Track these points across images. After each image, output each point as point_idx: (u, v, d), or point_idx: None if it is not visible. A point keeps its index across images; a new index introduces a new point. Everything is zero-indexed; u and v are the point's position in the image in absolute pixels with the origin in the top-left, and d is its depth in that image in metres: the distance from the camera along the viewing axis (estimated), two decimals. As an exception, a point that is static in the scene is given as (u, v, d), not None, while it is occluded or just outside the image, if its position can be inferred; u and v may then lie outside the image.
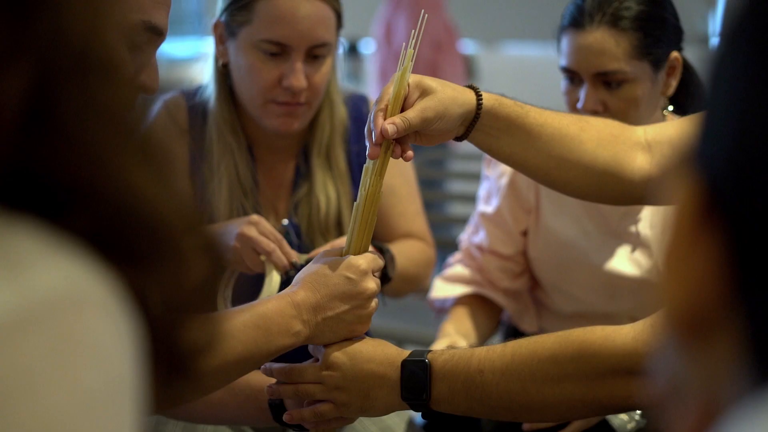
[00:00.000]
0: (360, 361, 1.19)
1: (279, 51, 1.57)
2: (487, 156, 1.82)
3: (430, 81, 1.21)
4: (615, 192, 1.32)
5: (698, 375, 0.43)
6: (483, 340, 1.81)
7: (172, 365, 0.51)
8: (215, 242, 0.53)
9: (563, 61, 1.65)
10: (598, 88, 1.62)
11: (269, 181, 1.72)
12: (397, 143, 1.21)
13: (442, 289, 1.86)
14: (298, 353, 1.26)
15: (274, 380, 1.28)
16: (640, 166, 1.31)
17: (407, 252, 1.70)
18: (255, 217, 1.51)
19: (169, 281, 0.49)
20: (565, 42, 1.64)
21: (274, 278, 1.47)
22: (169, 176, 0.49)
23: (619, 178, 1.30)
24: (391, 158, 1.22)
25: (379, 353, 1.19)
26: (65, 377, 0.43)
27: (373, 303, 1.21)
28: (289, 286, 1.20)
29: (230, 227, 1.51)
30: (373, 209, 1.21)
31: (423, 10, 1.21)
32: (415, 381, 1.16)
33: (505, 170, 1.79)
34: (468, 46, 6.39)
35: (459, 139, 1.27)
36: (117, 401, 0.45)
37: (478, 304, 1.84)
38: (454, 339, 1.70)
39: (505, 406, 1.15)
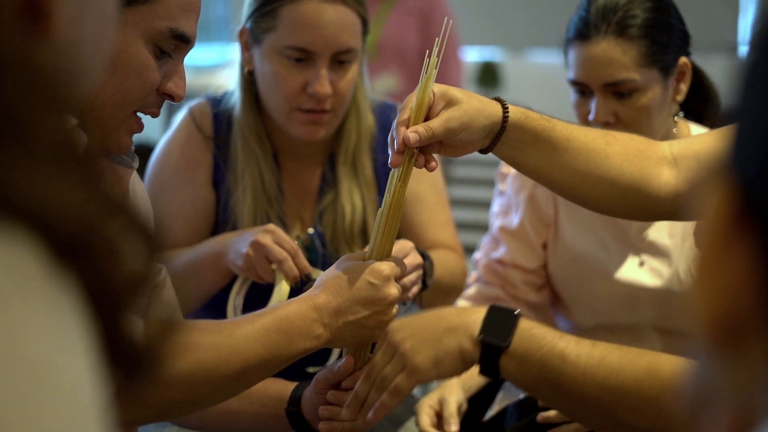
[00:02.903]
0: (427, 314, 1.20)
1: (303, 57, 1.56)
2: (502, 171, 1.82)
3: (456, 92, 1.20)
4: (641, 208, 1.31)
5: (732, 384, 0.42)
6: None
7: (126, 363, 0.50)
8: (147, 229, 0.52)
9: (571, 74, 1.64)
10: (608, 99, 1.60)
11: (295, 190, 1.71)
12: (421, 152, 1.20)
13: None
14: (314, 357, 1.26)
15: (287, 388, 1.28)
16: (667, 181, 1.30)
17: (443, 261, 1.67)
18: (271, 226, 1.50)
19: (98, 269, 0.48)
20: (572, 54, 1.62)
21: (282, 288, 1.46)
22: (70, 168, 0.48)
23: (646, 193, 1.29)
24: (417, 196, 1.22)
25: (446, 311, 1.20)
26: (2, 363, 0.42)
27: (394, 309, 1.21)
28: (311, 289, 1.20)
29: (246, 235, 1.51)
30: (397, 215, 1.21)
31: (447, 18, 1.20)
32: (500, 322, 1.16)
33: (523, 185, 1.77)
34: (494, 54, 6.38)
35: (484, 151, 1.27)
36: (58, 384, 0.43)
37: None
38: (446, 394, 1.58)
39: (573, 403, 1.15)
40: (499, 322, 1.16)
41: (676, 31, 1.62)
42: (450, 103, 1.19)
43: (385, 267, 1.20)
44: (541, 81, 5.43)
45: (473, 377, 1.70)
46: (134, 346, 0.50)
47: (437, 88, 1.20)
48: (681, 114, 1.70)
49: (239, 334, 1.09)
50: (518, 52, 6.43)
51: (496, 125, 1.22)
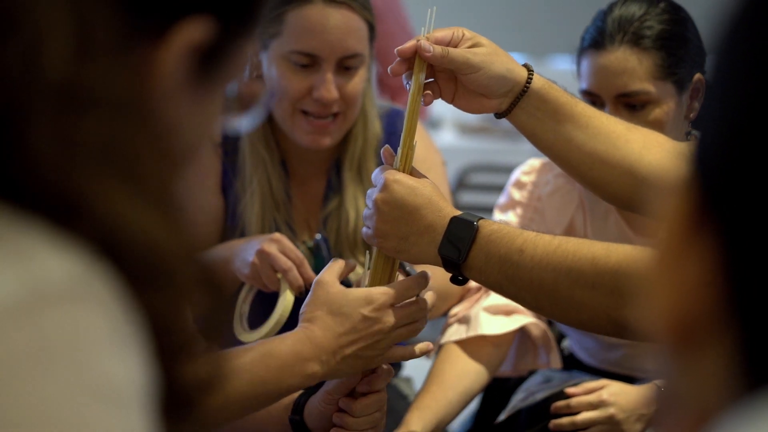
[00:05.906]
0: (413, 203, 1.16)
1: (309, 62, 1.56)
2: (520, 179, 1.75)
3: (485, 40, 1.23)
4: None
5: (690, 382, 0.42)
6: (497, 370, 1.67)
7: (174, 399, 0.51)
8: (216, 275, 0.53)
9: (584, 84, 1.61)
10: (620, 111, 1.56)
11: (302, 196, 1.71)
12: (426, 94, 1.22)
13: (495, 324, 1.63)
14: None
15: (294, 394, 1.27)
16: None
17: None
18: (277, 235, 1.50)
19: (167, 309, 0.49)
20: (585, 64, 1.60)
21: (287, 297, 1.46)
22: (167, 208, 0.50)
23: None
24: (420, 164, 1.22)
25: (434, 202, 1.17)
26: (60, 367, 0.43)
27: (394, 334, 1.18)
28: (304, 320, 1.18)
29: (252, 243, 1.51)
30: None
31: (432, 7, 1.22)
32: (458, 240, 1.14)
33: (569, 202, 1.70)
34: (517, 60, 6.37)
35: (501, 115, 1.26)
36: (112, 400, 0.45)
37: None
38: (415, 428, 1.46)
39: (533, 293, 1.14)
40: (458, 237, 1.14)
41: (692, 46, 1.59)
42: (477, 45, 1.21)
43: (380, 295, 1.17)
44: (564, 88, 5.41)
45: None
46: (180, 391, 0.51)
47: (468, 32, 1.22)
48: (693, 132, 1.66)
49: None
50: (542, 59, 6.41)
51: (517, 85, 1.23)
